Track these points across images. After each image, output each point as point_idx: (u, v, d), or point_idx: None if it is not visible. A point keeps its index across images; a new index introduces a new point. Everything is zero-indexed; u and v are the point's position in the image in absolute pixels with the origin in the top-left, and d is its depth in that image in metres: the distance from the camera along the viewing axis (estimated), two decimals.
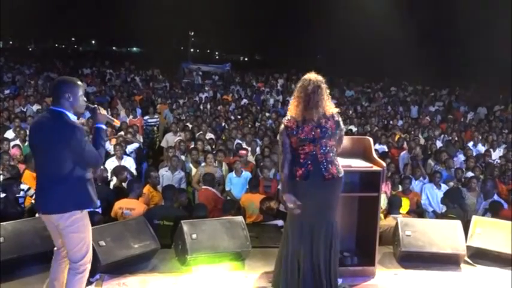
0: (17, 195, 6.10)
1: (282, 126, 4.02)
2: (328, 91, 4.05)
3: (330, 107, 4.00)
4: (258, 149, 9.47)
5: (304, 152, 3.93)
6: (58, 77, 3.66)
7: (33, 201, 6.04)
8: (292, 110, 3.99)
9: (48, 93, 3.42)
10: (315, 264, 4.00)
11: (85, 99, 3.62)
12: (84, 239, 3.50)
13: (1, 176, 6.61)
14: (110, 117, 3.85)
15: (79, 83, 3.56)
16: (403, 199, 6.90)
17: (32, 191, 6.42)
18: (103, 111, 3.69)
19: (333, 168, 3.94)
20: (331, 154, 3.96)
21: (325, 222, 4.00)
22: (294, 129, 3.93)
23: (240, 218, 5.16)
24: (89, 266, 3.57)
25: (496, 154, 10.28)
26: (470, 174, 8.33)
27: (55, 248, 3.67)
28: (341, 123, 4.07)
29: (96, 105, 3.75)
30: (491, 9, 21.86)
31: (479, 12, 22.09)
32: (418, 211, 7.22)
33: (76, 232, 3.44)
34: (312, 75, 4.02)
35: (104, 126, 3.65)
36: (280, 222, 6.14)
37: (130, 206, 6.02)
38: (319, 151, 3.92)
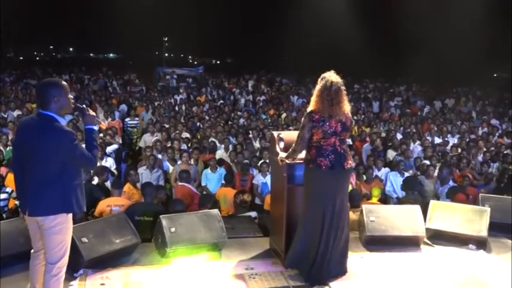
0: None
1: (307, 119, 4.14)
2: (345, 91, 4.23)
3: (347, 106, 4.24)
4: (231, 146, 9.47)
5: (326, 143, 4.13)
6: (40, 81, 3.46)
7: (17, 202, 5.91)
8: (316, 106, 4.15)
9: (35, 98, 3.25)
10: (329, 244, 4.21)
11: (72, 97, 3.52)
12: (65, 241, 3.42)
13: None
14: (98, 119, 3.72)
15: (64, 83, 3.45)
16: (374, 188, 7.01)
17: (15, 194, 6.28)
18: (91, 112, 3.58)
19: (349, 159, 4.25)
20: (344, 146, 4.25)
21: (343, 206, 4.27)
22: (320, 121, 4.09)
23: (215, 211, 5.15)
24: (64, 270, 3.47)
25: (451, 143, 10.49)
26: (427, 162, 8.48)
27: (32, 251, 3.57)
28: (352, 119, 4.37)
29: (84, 106, 3.63)
30: (445, 10, 22.30)
31: (433, 13, 22.50)
32: (380, 198, 7.31)
33: (58, 234, 3.36)
34: (332, 77, 4.16)
35: (95, 127, 3.53)
36: (253, 214, 6.17)
37: (119, 203, 5.96)
38: (337, 143, 4.16)
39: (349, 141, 10.12)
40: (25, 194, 3.42)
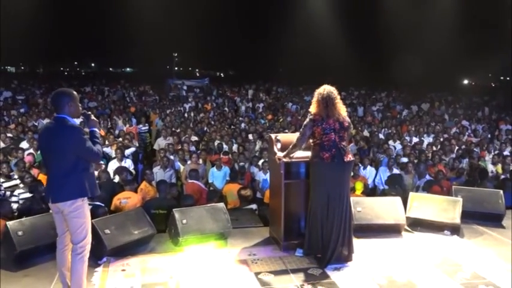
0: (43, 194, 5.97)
1: (308, 119, 4.31)
2: (339, 97, 4.35)
3: (343, 110, 4.35)
4: (234, 147, 9.45)
5: (327, 139, 4.22)
6: (55, 90, 3.62)
7: None
8: (315, 110, 4.31)
9: (51, 103, 3.25)
10: (334, 227, 4.26)
11: (80, 105, 3.63)
12: (84, 224, 3.49)
13: (18, 180, 6.43)
14: (98, 125, 3.82)
15: (74, 92, 3.57)
16: (357, 183, 7.00)
17: None
18: (94, 118, 3.74)
19: (348, 153, 4.32)
20: (344, 143, 4.31)
21: (343, 195, 4.30)
22: (319, 121, 4.24)
23: (221, 205, 5.15)
24: (87, 248, 3.52)
25: (426, 142, 10.48)
26: (405, 159, 8.46)
27: (57, 238, 3.61)
28: (350, 122, 4.46)
29: (89, 112, 3.77)
30: (421, 26, 22.33)
31: (410, 29, 22.53)
32: (365, 191, 7.31)
33: (78, 217, 3.44)
34: (326, 86, 4.35)
35: (96, 129, 3.67)
36: (254, 206, 6.17)
37: (126, 196, 6.00)
38: (337, 139, 4.25)
39: None
40: (48, 185, 3.56)
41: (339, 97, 4.35)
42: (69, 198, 3.41)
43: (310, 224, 4.38)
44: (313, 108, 4.35)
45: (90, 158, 3.49)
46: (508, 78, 36.97)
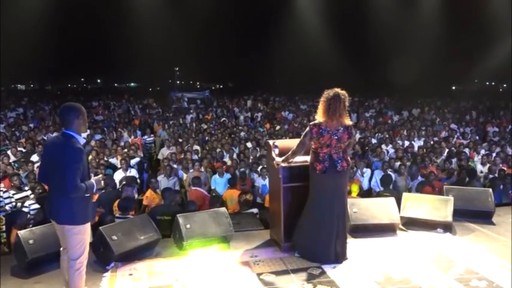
0: None
1: (308, 130, 4.21)
2: (347, 105, 4.20)
3: (347, 119, 4.20)
4: (234, 155, 9.44)
5: (322, 152, 4.17)
6: (64, 104, 3.43)
7: None
8: (319, 115, 4.19)
9: (59, 118, 3.12)
10: (332, 233, 4.26)
11: (87, 119, 3.49)
12: (83, 240, 3.38)
13: (29, 191, 6.42)
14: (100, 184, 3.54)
15: (82, 107, 3.44)
16: (353, 185, 6.98)
17: None
18: (102, 184, 3.65)
19: (343, 163, 4.20)
20: (341, 153, 4.20)
21: (338, 203, 4.25)
22: (316, 135, 4.14)
23: (223, 209, 5.12)
24: (84, 264, 3.43)
25: (417, 145, 10.48)
26: (398, 163, 8.44)
27: (61, 249, 3.55)
28: (353, 133, 4.34)
29: (101, 178, 3.61)
30: (410, 36, 22.45)
31: (401, 38, 22.65)
32: (360, 193, 7.28)
33: (77, 234, 3.34)
34: (335, 89, 4.17)
35: (95, 190, 3.43)
36: (255, 210, 6.13)
37: None
38: (333, 152, 4.17)
39: None
40: (50, 202, 3.44)
41: (345, 102, 4.16)
42: (73, 223, 3.30)
43: (306, 224, 4.33)
44: (319, 114, 4.21)
45: (67, 180, 3.15)
46: (493, 83, 37.17)
